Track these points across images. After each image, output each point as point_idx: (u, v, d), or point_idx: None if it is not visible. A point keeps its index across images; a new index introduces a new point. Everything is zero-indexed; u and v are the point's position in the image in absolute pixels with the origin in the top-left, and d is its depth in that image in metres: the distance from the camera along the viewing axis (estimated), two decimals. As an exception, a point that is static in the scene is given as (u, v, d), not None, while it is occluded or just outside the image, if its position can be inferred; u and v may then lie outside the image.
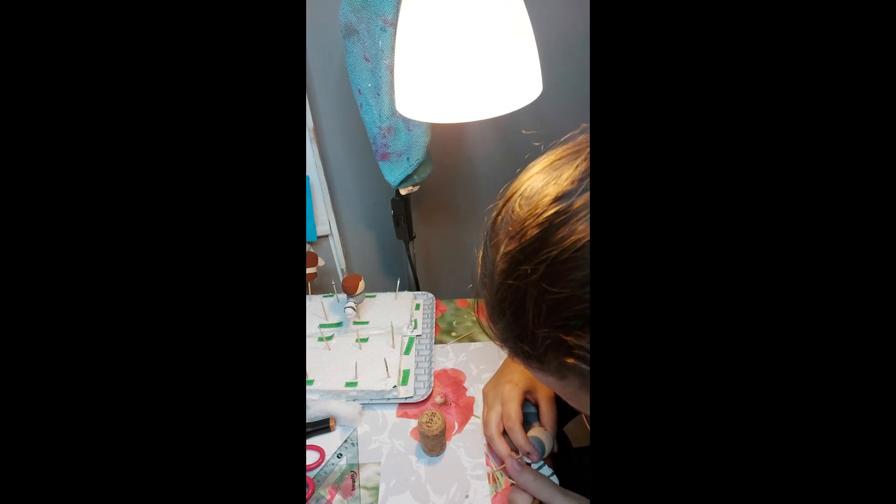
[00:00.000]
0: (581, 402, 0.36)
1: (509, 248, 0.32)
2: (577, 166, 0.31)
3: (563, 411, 0.58)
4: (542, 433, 0.56)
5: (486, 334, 0.37)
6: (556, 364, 0.32)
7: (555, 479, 0.55)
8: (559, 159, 0.33)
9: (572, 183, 0.30)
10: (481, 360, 0.72)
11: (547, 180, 0.32)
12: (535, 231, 0.30)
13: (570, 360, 0.30)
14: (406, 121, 0.68)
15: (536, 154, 0.36)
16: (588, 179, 0.30)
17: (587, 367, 0.30)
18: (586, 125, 0.33)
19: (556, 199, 0.30)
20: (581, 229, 0.28)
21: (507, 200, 0.34)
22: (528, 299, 0.31)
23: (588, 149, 0.32)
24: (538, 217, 0.30)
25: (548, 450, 0.56)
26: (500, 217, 0.34)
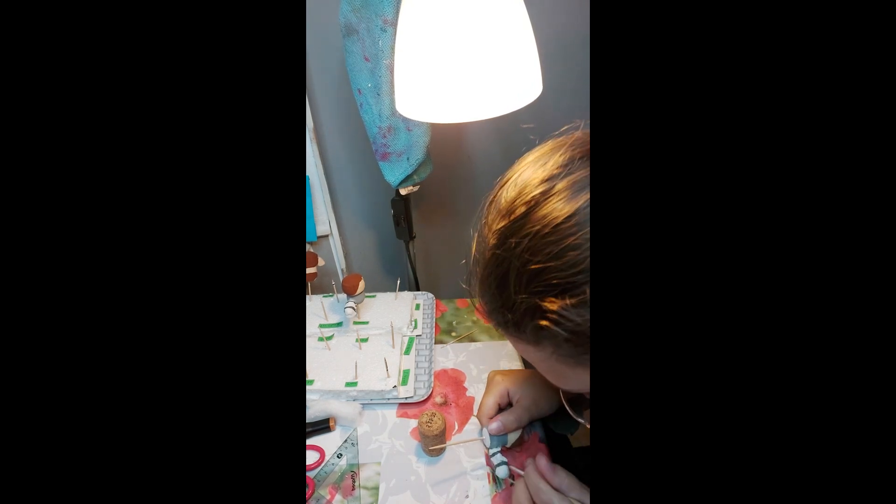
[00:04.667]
0: (557, 373, 0.39)
1: (499, 224, 0.36)
2: (562, 153, 0.35)
3: (565, 415, 0.58)
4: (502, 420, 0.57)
5: (478, 311, 0.41)
6: (531, 328, 0.35)
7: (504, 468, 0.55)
8: (549, 151, 0.37)
9: (557, 168, 0.35)
10: (481, 360, 0.72)
11: (536, 167, 0.36)
12: (523, 209, 0.34)
13: (544, 323, 0.34)
14: (406, 121, 0.68)
15: (536, 153, 0.37)
16: (571, 165, 0.34)
17: (559, 330, 0.33)
18: (577, 122, 0.38)
19: (542, 182, 0.34)
20: (560, 207, 0.33)
21: (502, 186, 0.38)
22: (512, 270, 0.35)
23: (574, 139, 0.37)
24: (525, 196, 0.35)
25: (499, 442, 0.57)
26: (493, 199, 0.39)
